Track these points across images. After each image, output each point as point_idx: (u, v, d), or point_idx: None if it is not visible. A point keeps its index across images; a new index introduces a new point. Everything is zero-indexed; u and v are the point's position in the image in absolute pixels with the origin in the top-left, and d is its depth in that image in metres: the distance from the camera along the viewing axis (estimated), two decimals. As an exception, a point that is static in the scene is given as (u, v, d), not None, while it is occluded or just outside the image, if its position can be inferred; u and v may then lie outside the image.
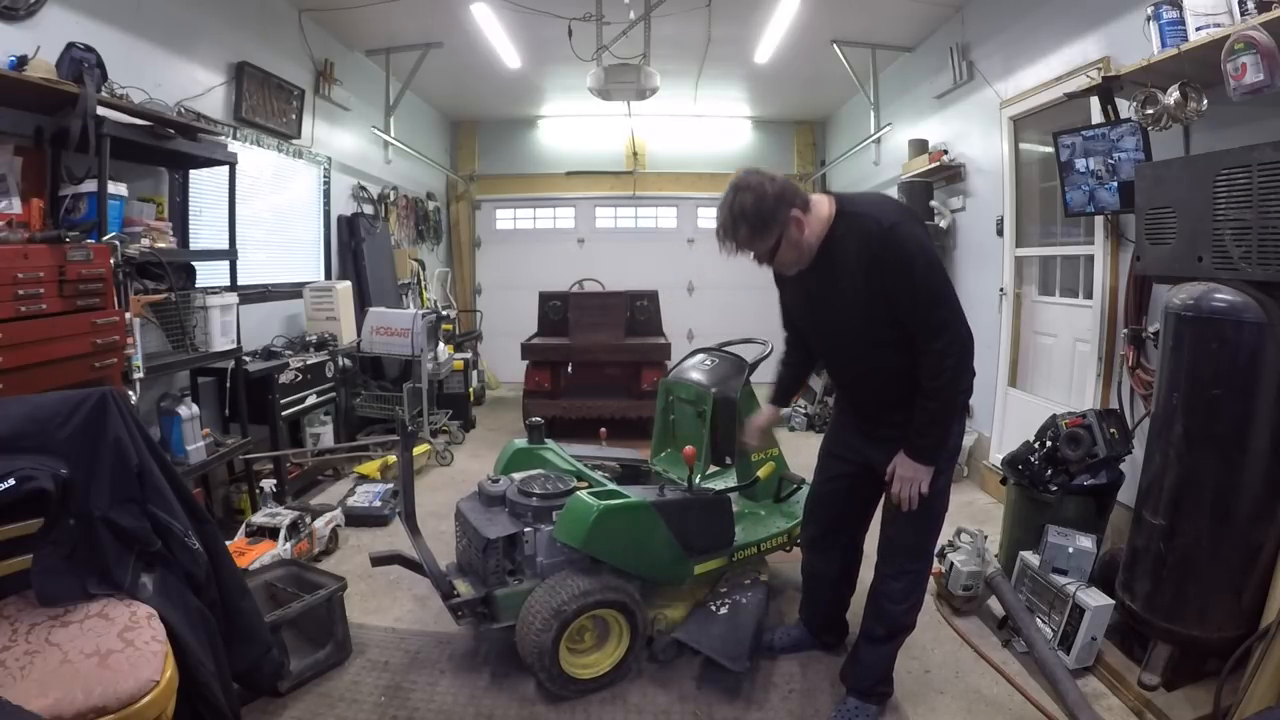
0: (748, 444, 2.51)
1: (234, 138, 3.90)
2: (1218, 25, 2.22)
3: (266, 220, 4.46)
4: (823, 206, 1.83)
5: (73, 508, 1.61)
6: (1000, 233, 4.19)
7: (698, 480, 2.49)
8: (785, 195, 1.75)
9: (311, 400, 4.08)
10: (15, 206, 2.44)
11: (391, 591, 2.89)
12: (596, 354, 5.50)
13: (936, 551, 2.86)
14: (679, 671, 2.35)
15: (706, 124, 8.00)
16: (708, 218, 8.35)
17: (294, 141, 4.66)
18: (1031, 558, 2.57)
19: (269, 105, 4.31)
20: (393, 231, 6.26)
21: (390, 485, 3.78)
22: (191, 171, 3.51)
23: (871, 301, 1.79)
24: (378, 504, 3.63)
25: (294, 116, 4.61)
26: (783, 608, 2.76)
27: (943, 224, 4.81)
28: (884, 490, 2.03)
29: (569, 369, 5.71)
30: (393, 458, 4.24)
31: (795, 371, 2.39)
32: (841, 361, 2.09)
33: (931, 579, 2.86)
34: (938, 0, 4.58)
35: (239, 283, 3.46)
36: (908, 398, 1.87)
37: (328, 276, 5.19)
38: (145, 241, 2.81)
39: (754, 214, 1.73)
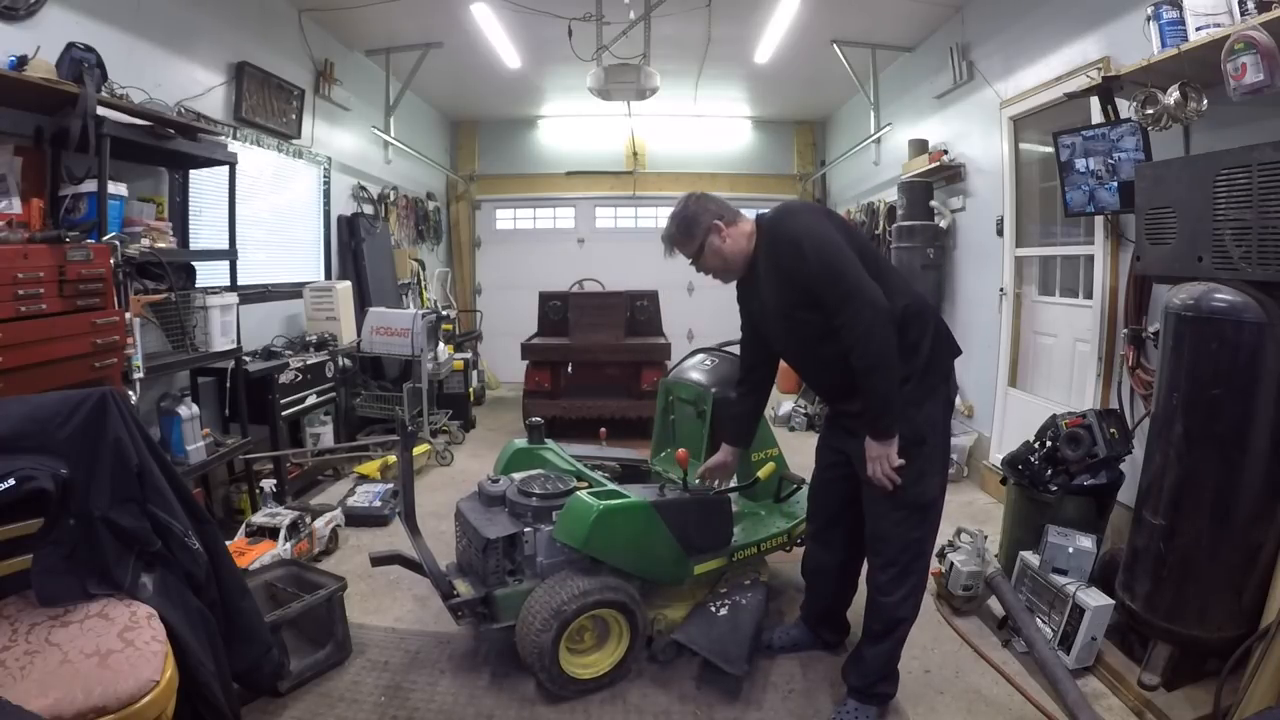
0: (707, 480, 2.51)
1: (234, 138, 3.90)
2: (1218, 25, 2.22)
3: (266, 220, 4.46)
4: (748, 224, 2.13)
5: (73, 508, 1.61)
6: (1000, 233, 4.19)
7: (697, 480, 2.49)
8: (710, 208, 2.09)
9: (311, 400, 4.08)
10: (15, 206, 2.44)
11: (391, 591, 2.89)
12: (596, 354, 5.50)
13: (936, 552, 2.87)
14: (679, 671, 2.35)
15: (706, 124, 8.00)
16: (708, 218, 8.35)
17: (294, 141, 4.66)
18: (1031, 558, 2.57)
19: (269, 105, 4.31)
20: (393, 231, 6.26)
21: (390, 485, 3.78)
22: (191, 171, 3.52)
23: (790, 299, 1.99)
24: (378, 504, 3.63)
25: (294, 116, 4.61)
26: (783, 608, 2.76)
27: (943, 224, 4.81)
28: (864, 486, 2.06)
29: (569, 369, 5.71)
30: (393, 458, 4.24)
31: (747, 409, 2.46)
32: (796, 361, 2.26)
33: (931, 579, 2.86)
34: (938, 0, 4.58)
35: (239, 283, 3.46)
36: (856, 386, 1.93)
37: (328, 276, 5.19)
38: (145, 241, 2.81)
39: (680, 220, 2.11)
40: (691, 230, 2.09)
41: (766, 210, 2.10)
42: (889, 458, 1.92)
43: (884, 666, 2.11)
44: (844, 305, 1.85)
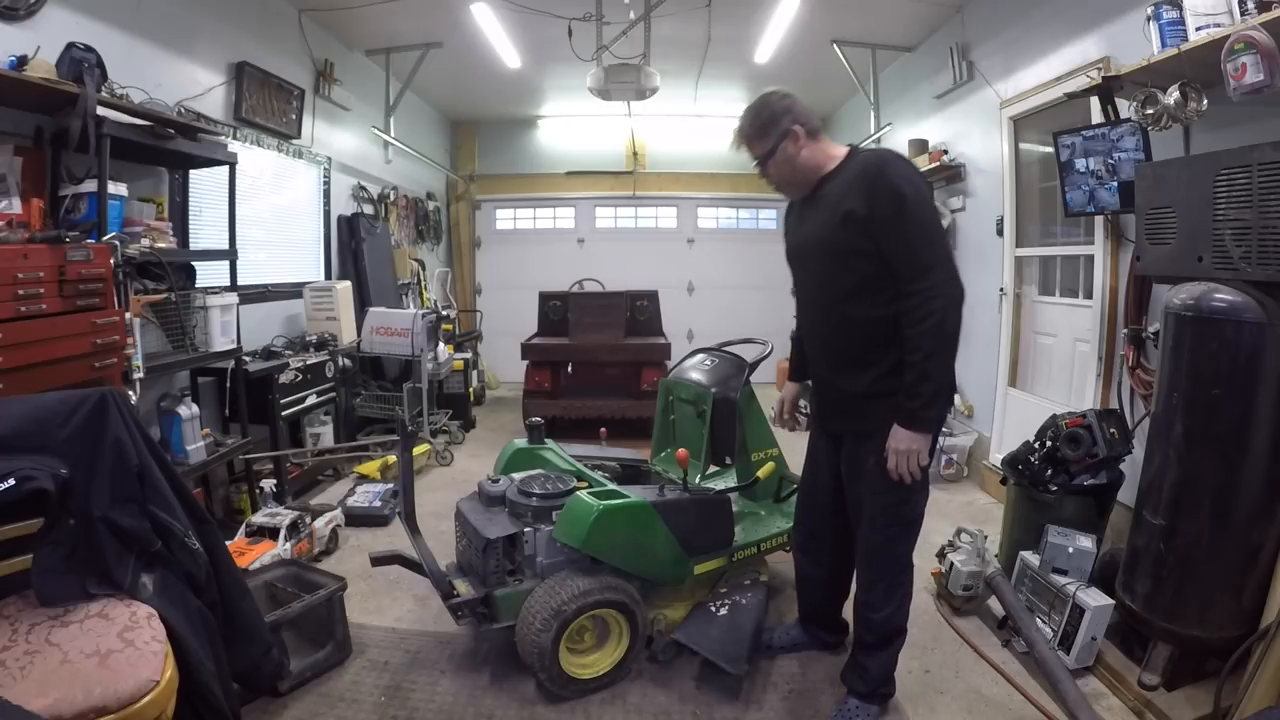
0: (785, 425, 2.46)
1: (234, 138, 3.90)
2: (1218, 25, 2.22)
3: (266, 220, 4.45)
4: (836, 147, 1.95)
5: (73, 508, 1.61)
6: (1000, 233, 4.19)
7: (697, 480, 2.49)
8: (792, 110, 1.91)
9: (311, 400, 4.07)
10: (15, 206, 2.44)
11: (391, 591, 2.89)
12: (596, 354, 5.50)
13: (936, 552, 2.88)
14: (679, 671, 2.35)
15: (706, 124, 7.98)
16: (708, 218, 8.36)
17: (294, 141, 4.66)
18: (1031, 558, 2.57)
19: (269, 105, 4.31)
20: (393, 231, 6.25)
21: (390, 485, 3.78)
22: (191, 171, 3.51)
23: (853, 241, 1.80)
24: (378, 504, 3.63)
25: (294, 116, 4.61)
26: (782, 608, 2.76)
27: (943, 224, 4.81)
28: (849, 499, 2.06)
29: (569, 369, 5.70)
30: (393, 458, 4.24)
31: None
32: (813, 314, 2.06)
33: (932, 579, 2.87)
34: (938, 0, 4.58)
35: (239, 283, 3.45)
36: (871, 360, 1.84)
37: (328, 276, 5.19)
38: (145, 241, 2.81)
39: (757, 114, 1.93)
40: (768, 129, 1.90)
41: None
42: (920, 455, 1.78)
43: (886, 672, 2.11)
44: (926, 273, 1.71)
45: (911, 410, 1.77)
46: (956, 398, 4.70)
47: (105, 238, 2.54)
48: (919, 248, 1.74)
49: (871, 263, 1.79)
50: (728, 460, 3.01)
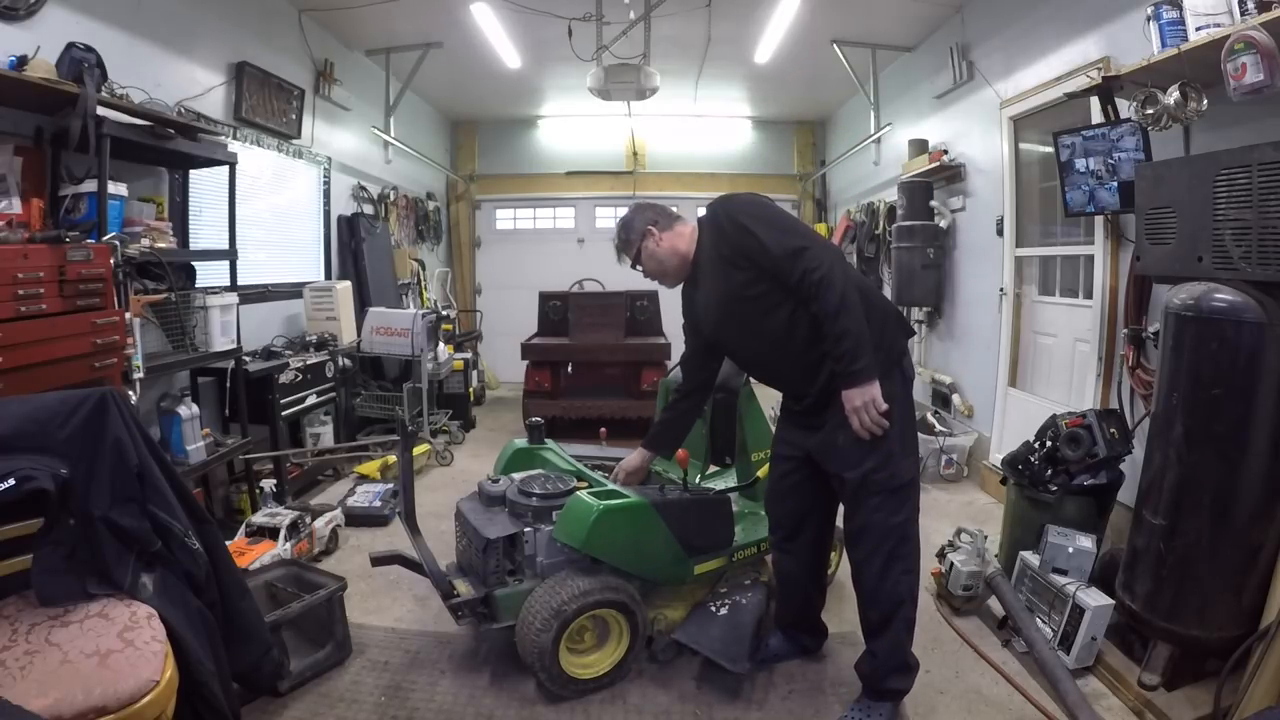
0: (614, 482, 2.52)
1: (234, 138, 3.90)
2: (1218, 25, 2.22)
3: (266, 220, 4.46)
4: (687, 227, 2.20)
5: (73, 508, 1.61)
6: (1000, 233, 4.18)
7: (697, 480, 2.48)
8: (646, 215, 2.21)
9: (311, 400, 4.08)
10: (15, 206, 2.44)
11: (391, 591, 2.89)
12: (596, 354, 5.51)
13: (936, 552, 2.87)
14: (679, 671, 2.35)
15: (706, 124, 8.00)
16: (708, 218, 8.36)
17: (294, 141, 4.66)
18: (1031, 558, 2.57)
19: (269, 105, 4.31)
20: (393, 231, 6.26)
21: (390, 485, 3.78)
22: (191, 171, 3.51)
23: (736, 280, 2.01)
24: (378, 504, 3.63)
25: (294, 116, 4.61)
26: (783, 608, 2.76)
27: (943, 224, 4.81)
28: (833, 482, 2.07)
29: (569, 369, 5.71)
30: (393, 458, 4.24)
31: (680, 416, 2.49)
32: (749, 355, 2.24)
33: (931, 579, 2.87)
34: (938, 0, 4.58)
35: (239, 283, 3.46)
36: (814, 360, 1.97)
37: (328, 276, 5.19)
38: (145, 241, 2.81)
39: (622, 228, 2.26)
40: (630, 236, 2.21)
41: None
42: (875, 401, 1.85)
43: (892, 657, 2.05)
44: (799, 256, 1.87)
45: (847, 371, 1.88)
46: (956, 398, 4.71)
47: (105, 238, 2.54)
48: (782, 241, 1.91)
49: (766, 282, 1.97)
50: (728, 460, 3.01)
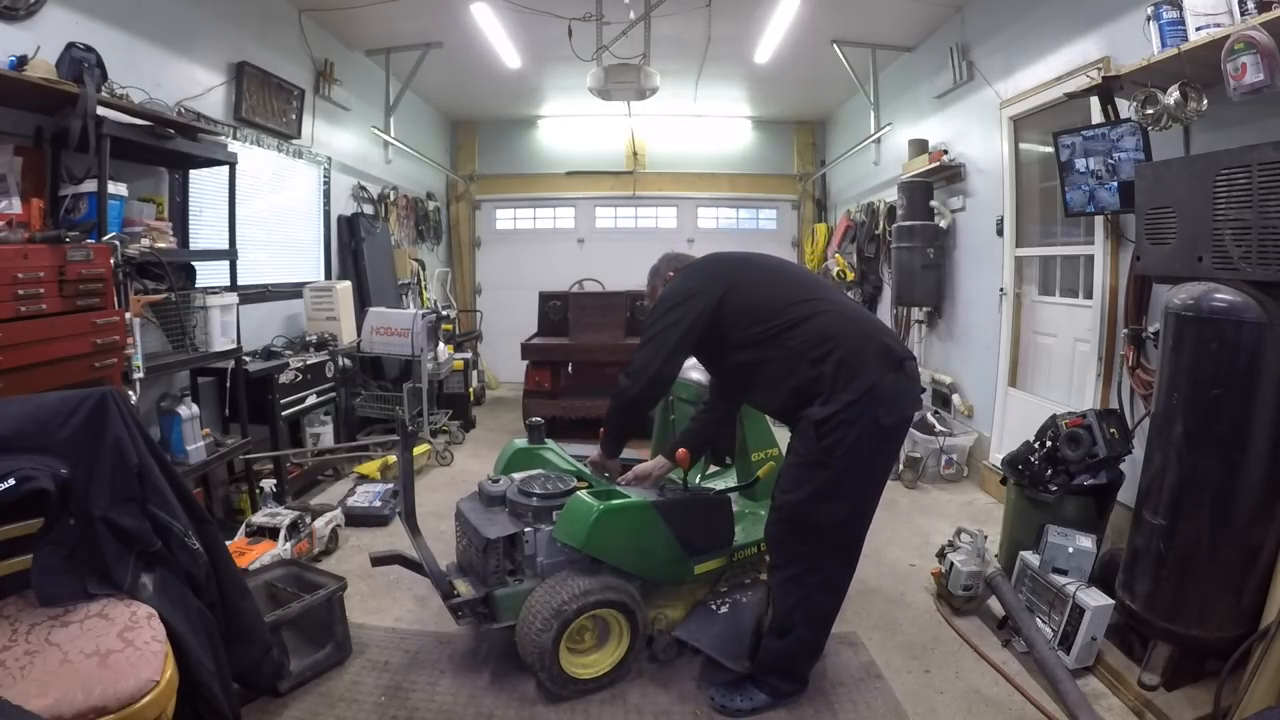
0: (618, 482, 2.59)
1: (234, 138, 3.90)
2: (1218, 25, 2.22)
3: (266, 220, 4.45)
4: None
5: (73, 508, 1.61)
6: (1000, 233, 4.19)
7: (697, 480, 2.49)
8: (669, 261, 2.53)
9: (311, 400, 4.07)
10: (15, 206, 2.44)
11: (391, 591, 2.89)
12: (596, 354, 5.50)
13: (936, 552, 2.87)
14: (679, 671, 2.35)
15: (706, 124, 7.99)
16: (708, 218, 8.37)
17: (294, 141, 4.66)
18: (1031, 558, 2.57)
19: (269, 105, 4.31)
20: (393, 231, 6.26)
21: (390, 485, 3.78)
22: (191, 171, 3.51)
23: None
24: (378, 504, 3.63)
25: (294, 116, 4.61)
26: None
27: (943, 224, 4.81)
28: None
29: (569, 369, 5.71)
30: (393, 458, 4.24)
31: (703, 427, 2.63)
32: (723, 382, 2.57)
33: (931, 579, 2.87)
34: (938, 0, 4.58)
35: (239, 283, 3.46)
36: (770, 384, 2.14)
37: (328, 276, 5.19)
38: (145, 241, 2.81)
39: (652, 273, 2.58)
40: (656, 280, 2.52)
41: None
42: (611, 472, 2.54)
43: (775, 663, 2.15)
44: (641, 345, 2.26)
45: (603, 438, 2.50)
46: (956, 398, 4.71)
47: (105, 238, 2.54)
48: (646, 325, 2.32)
49: (704, 346, 2.26)
50: (728, 460, 3.01)
